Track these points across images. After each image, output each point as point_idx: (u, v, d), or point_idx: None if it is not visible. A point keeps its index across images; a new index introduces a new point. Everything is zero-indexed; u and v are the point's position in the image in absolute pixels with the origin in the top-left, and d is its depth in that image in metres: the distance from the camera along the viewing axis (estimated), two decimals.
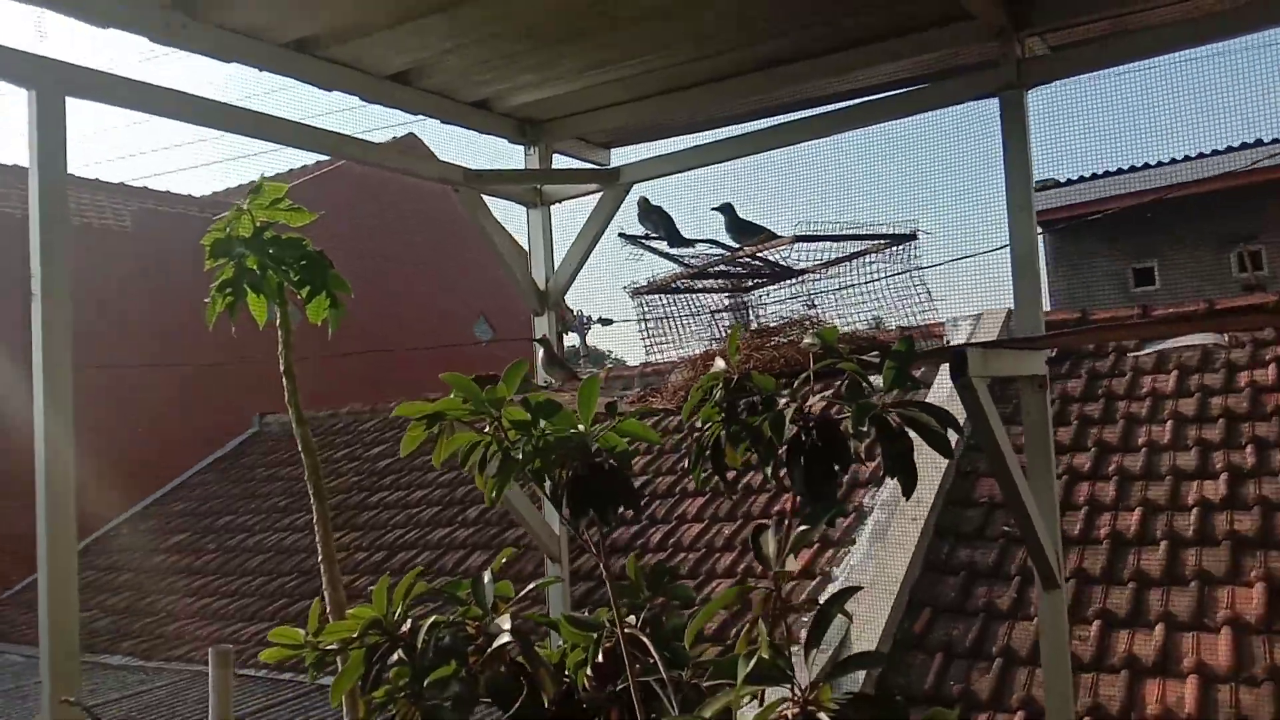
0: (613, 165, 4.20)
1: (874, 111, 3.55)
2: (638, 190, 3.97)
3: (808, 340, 2.94)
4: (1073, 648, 5.05)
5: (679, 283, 3.27)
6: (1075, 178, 9.07)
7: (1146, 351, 7.68)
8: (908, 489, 2.58)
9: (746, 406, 2.85)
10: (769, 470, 2.77)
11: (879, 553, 6.29)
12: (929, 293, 3.06)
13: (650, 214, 3.55)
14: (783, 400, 2.76)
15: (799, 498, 2.64)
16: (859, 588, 2.17)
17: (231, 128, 3.13)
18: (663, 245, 3.55)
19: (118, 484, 11.92)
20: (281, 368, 3.11)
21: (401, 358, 13.26)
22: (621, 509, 2.94)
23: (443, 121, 3.84)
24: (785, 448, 2.68)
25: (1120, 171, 8.64)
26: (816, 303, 3.14)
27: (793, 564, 2.39)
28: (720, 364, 2.98)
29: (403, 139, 13.86)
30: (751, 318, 3.40)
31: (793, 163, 3.95)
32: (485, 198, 4.19)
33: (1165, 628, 4.87)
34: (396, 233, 15.08)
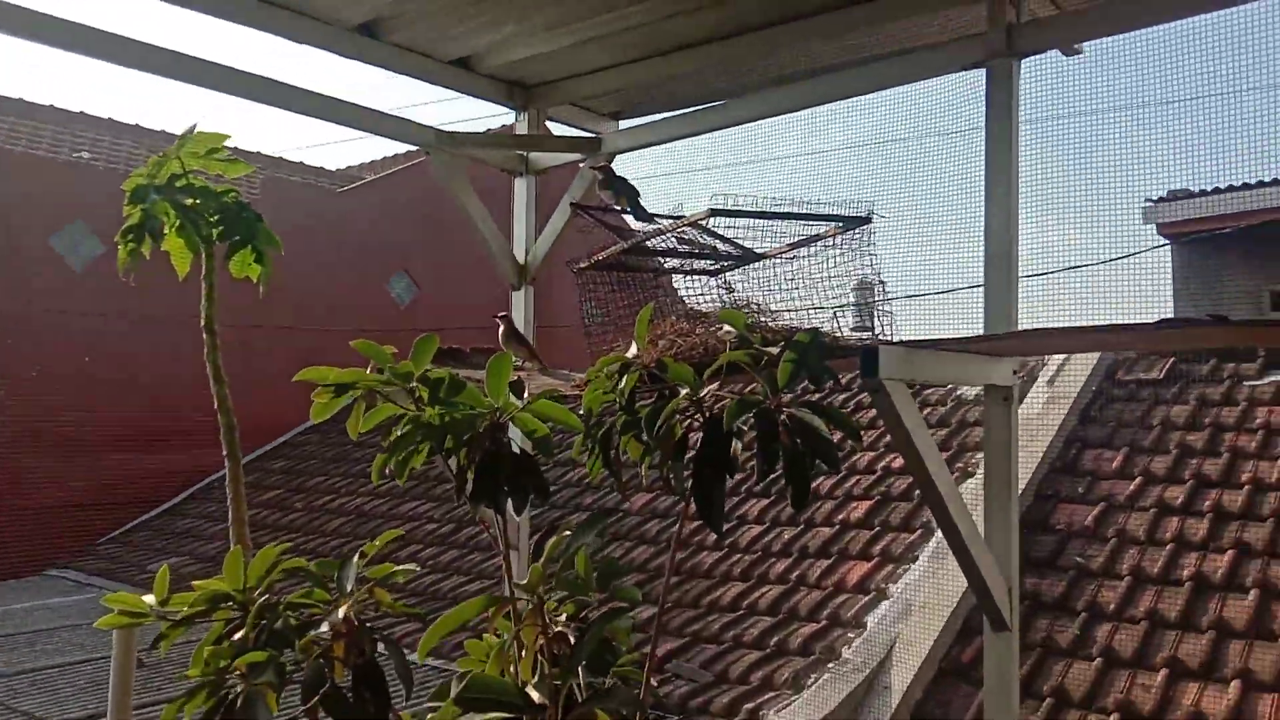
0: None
1: (853, 82, 3.19)
2: (620, 160, 3.73)
3: (726, 329, 2.66)
4: (1134, 696, 4.58)
5: (622, 259, 3.01)
6: (1210, 189, 8.20)
7: (1267, 381, 6.91)
8: (796, 500, 2.27)
9: (657, 397, 2.60)
10: (644, 466, 2.51)
11: (937, 571, 5.94)
12: (883, 284, 2.70)
13: (611, 183, 3.30)
14: (683, 392, 2.50)
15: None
16: (627, 607, 1.88)
17: (163, 72, 3.05)
18: (616, 218, 3.29)
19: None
20: (202, 322, 3.04)
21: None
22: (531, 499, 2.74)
23: (423, 81, 3.69)
24: (665, 445, 2.43)
25: (1263, 184, 7.74)
26: (738, 288, 2.82)
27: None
28: (633, 350, 2.73)
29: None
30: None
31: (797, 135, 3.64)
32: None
33: (1242, 685, 4.38)
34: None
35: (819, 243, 2.83)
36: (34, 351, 11.19)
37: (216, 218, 2.93)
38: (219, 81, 3.25)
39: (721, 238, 3.11)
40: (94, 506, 11.62)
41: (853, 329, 2.81)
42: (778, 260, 3.01)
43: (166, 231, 2.95)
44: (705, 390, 2.35)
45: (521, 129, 3.94)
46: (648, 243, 2.92)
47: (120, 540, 11.32)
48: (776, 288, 2.94)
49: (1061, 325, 2.34)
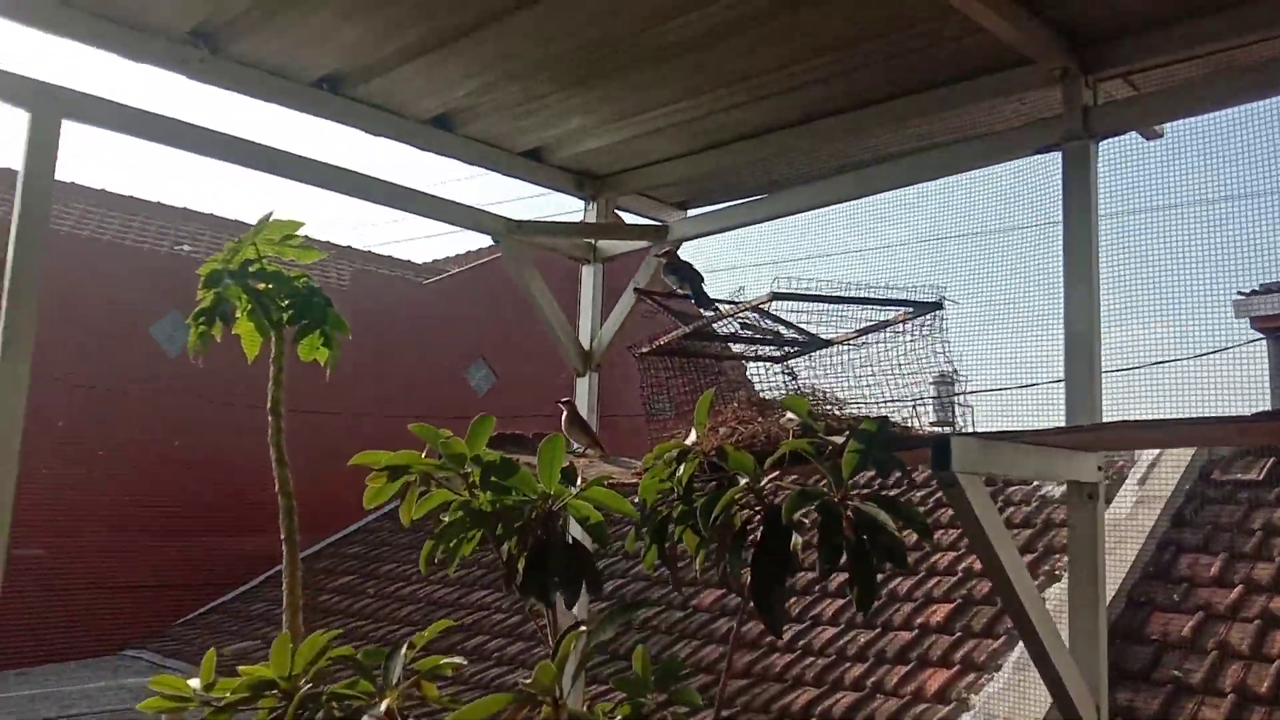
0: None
1: (923, 167, 3.13)
2: (686, 247, 3.71)
3: (788, 416, 2.56)
4: None
5: (684, 344, 2.96)
6: None
7: None
8: (861, 601, 2.14)
9: (716, 486, 2.50)
10: (699, 559, 2.42)
11: (1022, 681, 5.61)
12: (956, 372, 2.59)
13: (676, 269, 3.27)
14: (743, 482, 2.40)
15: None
16: (686, 711, 1.76)
17: (242, 161, 3.15)
18: (680, 303, 3.24)
19: (308, 523, 12.62)
20: (268, 405, 3.06)
21: None
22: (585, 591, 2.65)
23: (495, 171, 3.75)
24: (723, 537, 2.32)
25: None
26: (803, 375, 2.72)
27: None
28: (692, 436, 2.65)
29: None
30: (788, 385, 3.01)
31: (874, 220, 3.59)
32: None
33: None
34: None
35: (888, 329, 2.74)
36: (130, 435, 11.54)
37: (287, 302, 2.98)
38: (298, 172, 3.34)
39: (787, 324, 3.04)
40: (175, 587, 11.80)
41: (933, 424, 2.71)
42: (846, 347, 2.93)
43: (238, 315, 3.01)
44: (765, 480, 2.25)
45: (591, 219, 3.97)
46: (710, 327, 2.86)
47: (196, 622, 11.43)
48: (845, 375, 2.85)
49: (1148, 418, 2.21)
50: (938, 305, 2.64)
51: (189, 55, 3.01)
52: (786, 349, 3.08)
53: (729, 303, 3.10)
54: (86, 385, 11.13)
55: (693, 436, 2.59)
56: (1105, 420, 2.60)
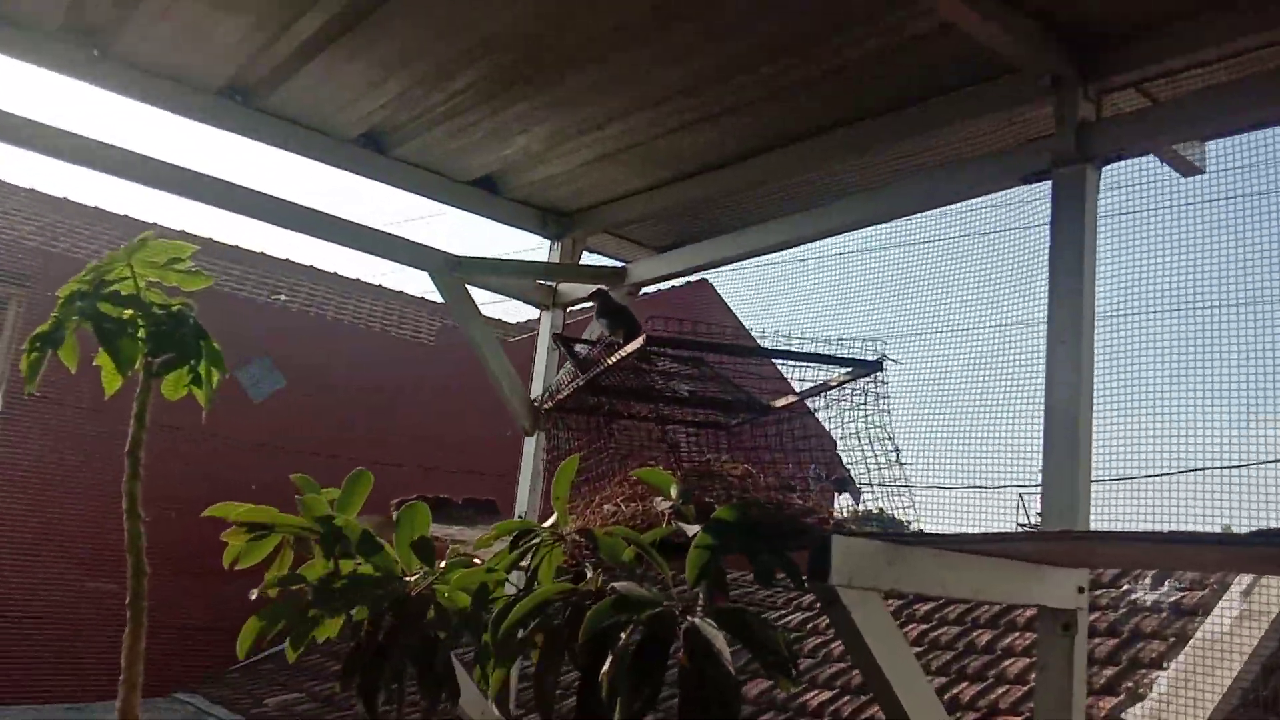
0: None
1: (896, 200, 2.57)
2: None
3: (660, 499, 2.03)
4: None
5: (583, 400, 2.45)
6: None
7: None
8: None
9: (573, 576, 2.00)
10: (494, 678, 1.89)
11: None
12: (897, 450, 2.00)
13: (607, 313, 2.77)
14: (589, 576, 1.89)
15: None
16: None
17: (145, 180, 2.83)
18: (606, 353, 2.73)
19: None
20: (127, 446, 2.67)
21: None
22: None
23: (444, 203, 3.34)
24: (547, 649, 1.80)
25: None
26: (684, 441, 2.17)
27: None
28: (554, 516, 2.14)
29: None
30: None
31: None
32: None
33: None
34: None
35: (825, 393, 2.18)
36: (207, 478, 11.57)
37: (143, 331, 2.61)
38: (212, 196, 3.01)
39: (728, 381, 2.50)
40: (235, 631, 11.69)
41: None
42: (785, 413, 2.37)
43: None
44: (597, 579, 1.71)
45: (556, 261, 3.51)
46: (599, 380, 2.35)
47: (248, 669, 11.25)
48: (780, 446, 2.30)
49: (1137, 529, 1.58)
50: (877, 366, 2.07)
51: (75, 55, 2.73)
52: (725, 414, 2.54)
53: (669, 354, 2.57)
54: (171, 428, 11.26)
55: (554, 516, 2.07)
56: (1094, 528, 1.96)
